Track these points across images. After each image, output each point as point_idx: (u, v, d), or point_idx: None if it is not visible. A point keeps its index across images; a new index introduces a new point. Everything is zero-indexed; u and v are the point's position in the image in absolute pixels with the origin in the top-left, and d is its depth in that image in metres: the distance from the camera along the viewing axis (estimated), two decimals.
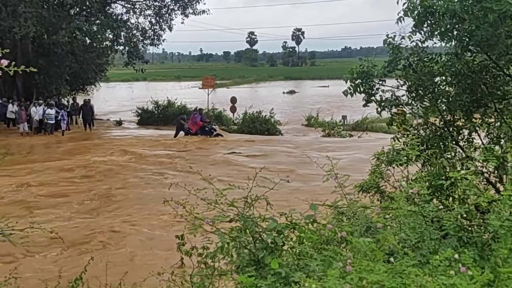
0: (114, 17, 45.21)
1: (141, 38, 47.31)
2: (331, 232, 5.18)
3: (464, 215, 5.27)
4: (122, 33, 44.52)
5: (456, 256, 4.25)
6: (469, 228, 5.23)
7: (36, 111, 36.61)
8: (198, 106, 39.62)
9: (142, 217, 16.60)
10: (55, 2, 40.52)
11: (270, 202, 5.27)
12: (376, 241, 4.69)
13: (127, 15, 47.22)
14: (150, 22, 47.60)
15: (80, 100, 43.78)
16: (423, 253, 4.67)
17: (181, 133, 36.36)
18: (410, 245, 4.86)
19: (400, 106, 10.01)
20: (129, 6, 47.14)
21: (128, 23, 46.26)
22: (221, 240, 4.86)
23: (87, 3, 42.76)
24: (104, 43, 45.17)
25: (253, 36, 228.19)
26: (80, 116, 40.85)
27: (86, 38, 42.96)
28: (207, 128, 35.88)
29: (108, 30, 43.30)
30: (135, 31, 46.68)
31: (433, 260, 4.21)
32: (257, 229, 4.86)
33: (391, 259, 4.44)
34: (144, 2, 47.26)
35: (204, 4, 47.16)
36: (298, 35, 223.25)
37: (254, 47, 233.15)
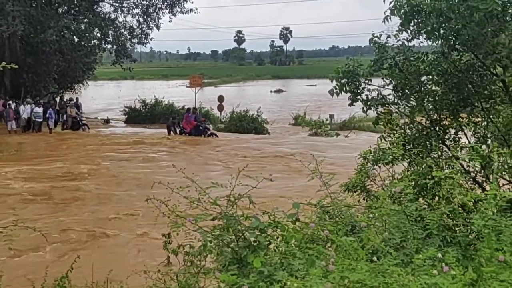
0: (102, 15, 45.12)
1: (128, 36, 47.29)
2: (314, 231, 5.16)
3: (448, 215, 5.25)
4: (110, 32, 44.50)
5: (439, 255, 4.24)
6: (453, 228, 5.22)
7: (24, 109, 36.46)
8: (192, 106, 39.64)
9: (128, 215, 16.55)
10: (43, 1, 40.34)
11: (253, 200, 5.24)
12: (359, 240, 4.67)
13: (115, 13, 47.17)
14: (138, 20, 47.54)
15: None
16: (407, 252, 4.66)
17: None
18: (394, 245, 4.85)
19: (386, 105, 10.00)
20: (117, 4, 46.98)
21: (116, 22, 46.23)
22: (204, 238, 4.84)
23: (75, 2, 42.71)
24: (92, 42, 45.13)
25: (240, 35, 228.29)
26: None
27: (74, 37, 42.98)
28: (201, 127, 35.91)
29: (96, 29, 43.31)
30: (122, 30, 46.65)
31: (416, 259, 4.20)
32: (240, 227, 4.83)
33: (374, 258, 4.43)
34: (132, 1, 47.19)
35: (192, 2, 46.94)
36: (285, 34, 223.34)
37: (242, 46, 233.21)
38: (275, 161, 26.15)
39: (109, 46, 46.24)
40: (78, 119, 39.12)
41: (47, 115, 36.83)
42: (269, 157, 27.41)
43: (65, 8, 43.71)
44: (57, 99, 44.38)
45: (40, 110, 36.57)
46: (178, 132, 36.83)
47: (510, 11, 8.35)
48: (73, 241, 14.34)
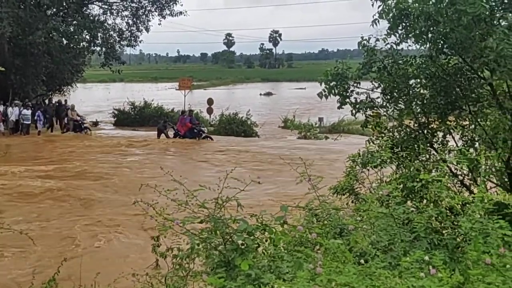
0: (91, 18, 44.87)
1: (118, 39, 47.01)
2: (303, 234, 5.16)
3: (436, 217, 5.27)
4: (99, 34, 44.29)
5: (427, 258, 4.25)
6: (440, 230, 5.24)
7: (13, 112, 36.39)
8: (182, 109, 39.68)
9: (117, 218, 16.50)
10: (31, 3, 40.09)
11: (241, 203, 5.24)
12: (347, 243, 4.68)
13: (104, 16, 46.93)
14: (127, 23, 47.27)
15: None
16: (394, 255, 4.67)
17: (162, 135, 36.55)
18: (382, 247, 4.86)
19: (375, 108, 10.03)
20: (106, 7, 46.86)
21: (105, 24, 45.98)
22: (191, 241, 4.83)
23: (64, 4, 42.42)
24: (81, 44, 44.85)
25: (230, 38, 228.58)
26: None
27: (63, 39, 42.82)
28: (195, 130, 35.85)
29: (85, 31, 43.05)
30: (112, 32, 46.39)
31: (403, 262, 4.21)
32: (228, 230, 4.82)
33: (362, 261, 4.44)
34: (121, 3, 46.98)
35: (182, 5, 46.73)
36: (275, 37, 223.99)
37: (232, 49, 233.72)
38: (265, 164, 26.14)
39: (98, 48, 45.97)
40: (80, 122, 38.95)
41: (36, 118, 36.76)
42: (258, 160, 27.40)
43: (54, 10, 43.43)
44: (47, 101, 44.16)
45: (28, 112, 36.52)
46: (172, 135, 36.69)
47: (497, 15, 8.38)
48: (59, 244, 14.26)
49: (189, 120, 36.29)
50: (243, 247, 4.73)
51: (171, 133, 37.02)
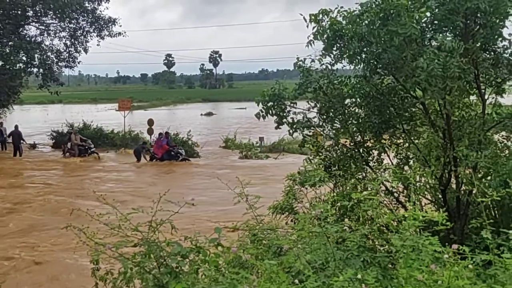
0: (28, 38, 44.28)
1: (55, 60, 46.33)
2: (241, 255, 5.17)
3: (367, 236, 5.35)
4: (36, 55, 43.53)
5: (359, 276, 4.31)
6: (373, 249, 5.31)
7: None
8: (165, 130, 39.17)
9: (53, 242, 16.24)
10: None
11: (175, 226, 5.23)
12: (282, 263, 4.71)
13: (41, 36, 46.30)
14: (65, 44, 46.70)
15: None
16: (328, 274, 4.71)
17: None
18: (317, 266, 4.90)
19: (312, 128, 10.12)
20: (43, 28, 46.24)
21: (42, 45, 45.29)
22: (124, 265, 4.78)
23: (0, 25, 41.77)
24: (18, 65, 44.03)
25: (170, 58, 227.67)
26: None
27: None
28: (173, 152, 35.46)
29: (22, 52, 42.32)
30: (49, 53, 45.70)
31: (334, 281, 4.26)
32: (162, 253, 4.80)
33: (296, 281, 4.47)
34: (59, 24, 46.32)
35: (120, 26, 46.41)
36: (215, 57, 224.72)
37: (172, 69, 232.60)
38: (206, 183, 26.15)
39: (35, 69, 45.25)
40: (86, 146, 38.02)
41: None
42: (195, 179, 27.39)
43: None
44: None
45: None
46: (148, 158, 36.24)
47: (428, 35, 8.60)
48: None
49: (165, 142, 35.86)
50: (177, 270, 4.71)
51: (146, 157, 36.45)
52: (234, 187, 6.87)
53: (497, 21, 8.39)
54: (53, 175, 30.28)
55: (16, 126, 39.92)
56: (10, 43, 42.33)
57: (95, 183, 28.06)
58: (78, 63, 48.53)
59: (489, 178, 8.57)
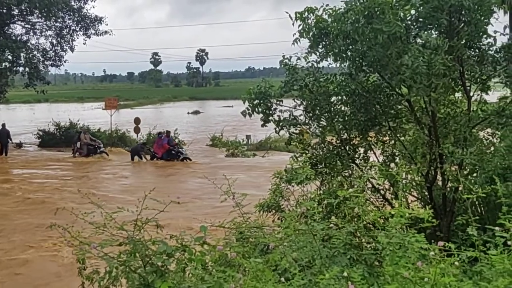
0: (14, 37, 43.96)
1: (42, 59, 45.93)
2: (227, 253, 5.16)
3: (354, 233, 5.35)
4: (22, 54, 43.18)
5: (345, 273, 4.32)
6: (359, 246, 5.32)
7: None
8: (161, 130, 39.01)
9: (41, 241, 16.16)
10: None
11: (160, 224, 5.21)
12: (268, 261, 4.71)
13: (27, 35, 45.95)
14: (51, 42, 46.32)
15: None
16: (314, 272, 4.71)
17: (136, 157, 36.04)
18: (303, 264, 4.90)
19: (298, 125, 10.12)
20: (29, 26, 45.89)
21: (28, 44, 44.98)
22: (109, 265, 4.76)
23: None
24: (3, 64, 43.73)
25: (157, 57, 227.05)
26: None
27: None
28: (173, 152, 35.40)
29: (7, 51, 42.02)
30: (35, 52, 45.35)
31: (320, 279, 4.26)
32: (147, 252, 4.79)
33: (283, 279, 4.47)
34: (45, 22, 45.97)
35: (107, 25, 46.16)
36: (202, 56, 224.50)
37: (158, 68, 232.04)
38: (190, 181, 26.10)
39: (21, 68, 44.91)
40: (96, 146, 37.81)
41: None
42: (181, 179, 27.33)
43: None
44: None
45: None
46: (148, 158, 36.17)
47: (413, 33, 8.62)
48: None
49: (166, 141, 35.78)
50: (163, 269, 4.70)
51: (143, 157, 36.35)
52: (220, 185, 6.86)
53: (482, 18, 8.41)
54: (53, 175, 30.24)
55: (3, 125, 39.64)
56: None
57: (95, 182, 28.13)
58: (65, 62, 48.17)
59: (474, 175, 8.61)
